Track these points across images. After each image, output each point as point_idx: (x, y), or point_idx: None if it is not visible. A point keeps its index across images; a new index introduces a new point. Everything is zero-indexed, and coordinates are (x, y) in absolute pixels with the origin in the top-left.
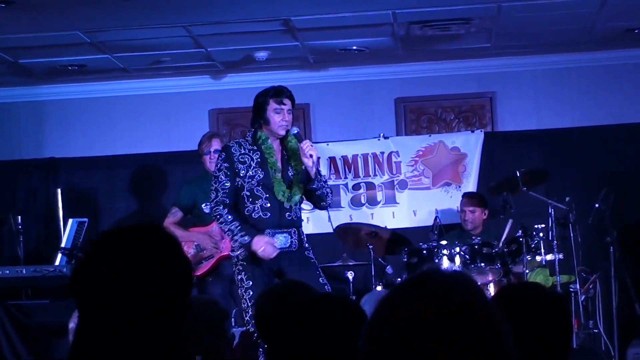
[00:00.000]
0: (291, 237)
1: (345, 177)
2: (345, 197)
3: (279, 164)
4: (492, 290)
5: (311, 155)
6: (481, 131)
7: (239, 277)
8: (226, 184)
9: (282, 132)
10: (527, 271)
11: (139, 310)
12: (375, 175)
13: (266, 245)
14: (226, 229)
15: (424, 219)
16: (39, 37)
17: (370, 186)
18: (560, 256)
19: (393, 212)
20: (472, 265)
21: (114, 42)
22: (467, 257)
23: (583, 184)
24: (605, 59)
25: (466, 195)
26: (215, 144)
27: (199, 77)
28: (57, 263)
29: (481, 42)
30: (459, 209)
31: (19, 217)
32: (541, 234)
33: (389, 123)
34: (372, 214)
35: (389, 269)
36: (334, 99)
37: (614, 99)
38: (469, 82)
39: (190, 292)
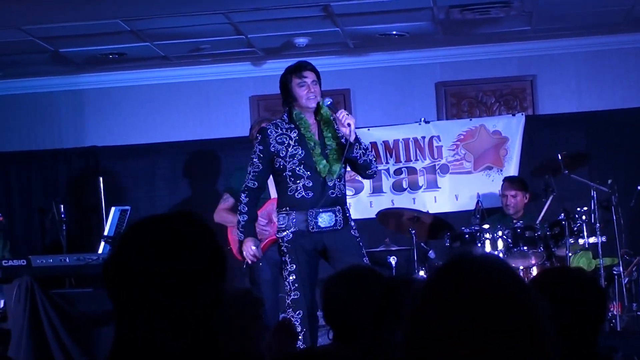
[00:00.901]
0: (336, 216)
1: (387, 162)
2: (387, 182)
3: (317, 138)
4: (535, 273)
5: (349, 125)
6: (522, 114)
7: (284, 259)
8: (257, 167)
9: (312, 104)
10: (570, 254)
11: (170, 298)
12: (416, 160)
13: (248, 249)
14: (237, 218)
15: (466, 203)
16: (79, 26)
17: (411, 171)
18: (603, 239)
19: (435, 197)
20: (515, 249)
21: (153, 30)
22: (510, 241)
23: (625, 166)
24: None
25: (507, 180)
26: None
27: (239, 63)
28: (100, 251)
29: (521, 25)
30: (500, 193)
31: (62, 205)
32: (584, 217)
33: (430, 107)
34: (414, 199)
35: (431, 254)
36: (374, 84)
37: None
38: (509, 65)
39: (223, 281)
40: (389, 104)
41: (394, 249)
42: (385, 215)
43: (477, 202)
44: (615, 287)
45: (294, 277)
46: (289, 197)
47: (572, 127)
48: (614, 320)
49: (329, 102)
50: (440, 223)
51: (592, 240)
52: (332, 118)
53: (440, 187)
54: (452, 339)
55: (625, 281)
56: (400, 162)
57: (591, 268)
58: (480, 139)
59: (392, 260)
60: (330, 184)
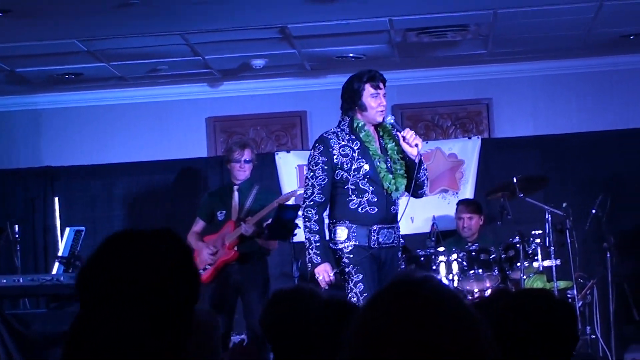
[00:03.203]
0: (394, 232)
1: None
2: None
3: (379, 152)
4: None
5: (416, 145)
6: (478, 137)
7: (347, 269)
8: (323, 180)
9: (380, 119)
10: (525, 277)
11: (140, 311)
12: None
13: (325, 275)
14: (306, 236)
15: (422, 225)
16: (36, 46)
17: None
18: (558, 262)
19: None
20: (470, 272)
21: (110, 50)
22: (465, 263)
23: (580, 189)
24: (601, 65)
25: (462, 203)
26: (248, 154)
27: (196, 85)
28: (54, 272)
29: (477, 48)
30: (456, 216)
31: (16, 226)
32: (538, 240)
33: None
34: None
35: None
36: (331, 106)
37: (610, 105)
38: (466, 88)
39: (195, 301)
40: None
41: None
42: None
43: (433, 225)
44: None
45: (362, 286)
46: (351, 210)
47: (528, 150)
48: None
49: (392, 120)
50: None
51: (546, 263)
52: (394, 132)
53: None
54: (393, 354)
55: (579, 304)
56: None
57: None
58: (436, 162)
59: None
60: (392, 199)
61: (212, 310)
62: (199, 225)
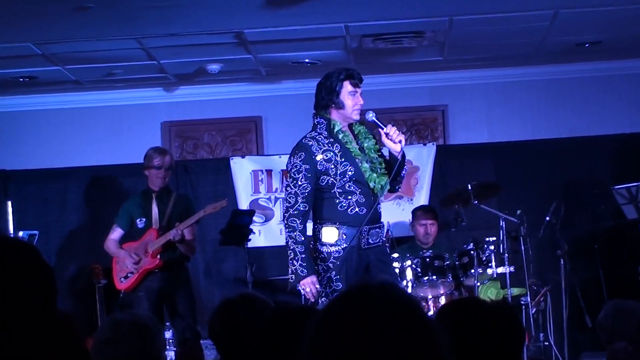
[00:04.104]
0: (380, 231)
1: None
2: None
3: (359, 151)
4: (443, 303)
5: (400, 141)
6: (433, 144)
7: (327, 275)
8: (306, 188)
9: (357, 117)
10: (479, 284)
11: None
12: None
13: (312, 287)
14: (291, 247)
15: None
16: None
17: None
18: (512, 269)
19: None
20: (424, 279)
21: (65, 53)
22: (419, 270)
23: (534, 197)
24: (556, 72)
25: (421, 209)
26: (167, 161)
27: (152, 89)
28: None
29: (433, 55)
30: (412, 222)
31: None
32: (492, 247)
33: None
34: None
35: None
36: (286, 112)
37: (564, 113)
38: (421, 95)
39: (48, 307)
40: (300, 131)
41: None
42: None
43: (387, 231)
44: (523, 317)
45: None
46: (341, 213)
47: (483, 157)
48: None
49: (374, 116)
50: None
51: (500, 270)
52: (369, 131)
53: None
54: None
55: (533, 311)
56: None
57: (499, 298)
58: None
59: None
60: (377, 199)
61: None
62: (116, 232)
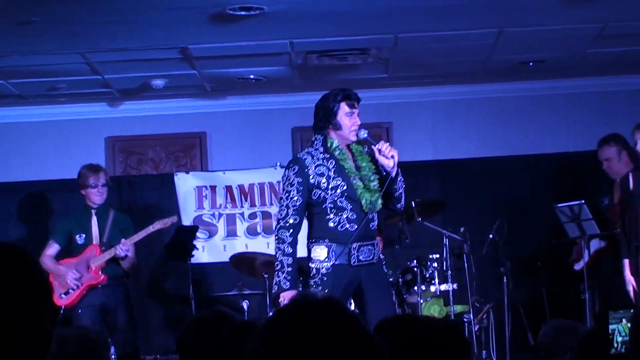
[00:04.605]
0: (373, 249)
1: (242, 206)
2: (241, 226)
3: (354, 169)
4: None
5: (392, 157)
6: None
7: (313, 290)
8: (297, 201)
9: (354, 137)
10: (422, 301)
11: None
12: (271, 204)
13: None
14: (279, 258)
15: None
16: None
17: (266, 215)
18: (455, 286)
19: None
20: None
21: (9, 67)
22: None
23: (478, 214)
24: (501, 90)
25: None
26: (102, 178)
27: (96, 104)
28: None
29: (378, 72)
30: None
31: None
32: (435, 264)
33: (286, 152)
34: (268, 243)
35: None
36: (231, 128)
37: (508, 131)
38: (367, 112)
39: (50, 323)
40: (245, 147)
41: (247, 292)
42: (239, 259)
43: None
44: (466, 335)
45: None
46: (331, 229)
47: (427, 174)
48: None
49: (366, 134)
50: None
51: (443, 287)
52: (365, 150)
53: None
54: None
55: (476, 328)
56: (255, 206)
57: (442, 315)
58: None
59: (245, 304)
60: (371, 216)
61: (102, 330)
62: (53, 248)
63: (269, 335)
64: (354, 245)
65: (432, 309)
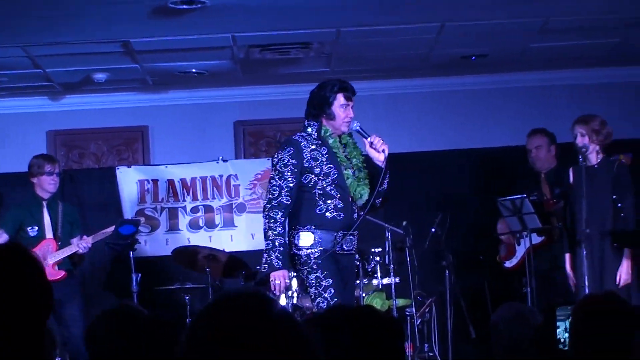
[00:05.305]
0: (354, 239)
1: (184, 200)
2: (183, 220)
3: (346, 160)
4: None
5: (383, 150)
6: None
7: (313, 275)
8: (291, 183)
9: (346, 129)
10: (364, 295)
11: None
12: (213, 198)
13: (282, 281)
14: (270, 237)
15: (262, 242)
16: None
17: (208, 209)
18: (397, 280)
19: (231, 235)
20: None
21: None
22: None
23: (420, 208)
24: (442, 84)
25: None
26: (58, 167)
27: (37, 97)
28: None
29: (320, 66)
30: None
31: None
32: (378, 258)
33: (228, 146)
34: (210, 237)
35: None
36: (173, 122)
37: (450, 124)
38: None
39: (47, 316)
40: (187, 141)
41: (188, 286)
42: (181, 253)
43: None
44: (408, 328)
45: (333, 291)
46: (317, 215)
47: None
48: None
49: (358, 126)
50: (236, 262)
51: (386, 281)
52: (354, 142)
53: (236, 226)
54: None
55: (418, 322)
56: (198, 200)
57: (384, 309)
58: None
59: (187, 298)
60: (355, 207)
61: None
62: (1, 238)
63: (198, 330)
64: (339, 233)
65: (375, 303)
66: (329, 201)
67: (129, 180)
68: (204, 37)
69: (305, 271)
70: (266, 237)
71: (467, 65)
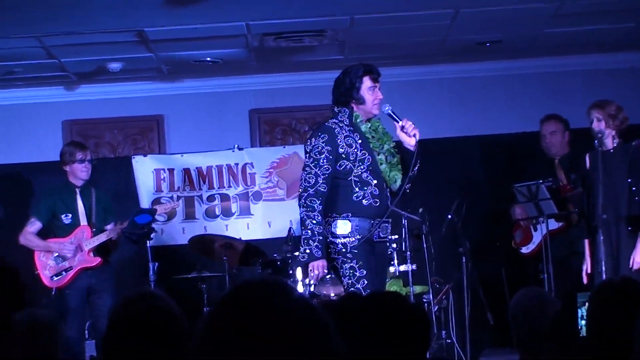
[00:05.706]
0: (388, 227)
1: (200, 189)
2: (199, 209)
3: (379, 145)
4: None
5: (414, 135)
6: None
7: (348, 265)
8: (327, 170)
9: (377, 111)
10: None
11: None
12: (229, 186)
13: (320, 271)
14: (309, 226)
15: (279, 230)
16: None
17: (224, 197)
18: (414, 267)
19: (248, 224)
20: (327, 277)
21: None
22: None
23: (436, 195)
24: (458, 71)
25: None
26: (89, 154)
27: (52, 88)
28: None
29: (334, 54)
30: None
31: None
32: (395, 245)
33: (244, 134)
34: (226, 226)
35: None
36: (188, 111)
37: (466, 111)
38: (323, 93)
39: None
40: (202, 130)
41: (205, 275)
42: (198, 241)
43: (290, 230)
44: None
45: (366, 282)
46: (354, 202)
47: None
48: None
49: (390, 109)
50: (253, 250)
51: (402, 268)
52: (384, 128)
53: (253, 214)
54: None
55: (435, 309)
56: (214, 188)
57: None
58: (293, 167)
59: (204, 287)
60: (388, 193)
61: (56, 313)
62: (35, 226)
63: (215, 320)
64: (377, 221)
65: (392, 290)
66: (365, 188)
67: (145, 170)
68: (218, 26)
69: (340, 260)
70: (304, 226)
71: (482, 52)
